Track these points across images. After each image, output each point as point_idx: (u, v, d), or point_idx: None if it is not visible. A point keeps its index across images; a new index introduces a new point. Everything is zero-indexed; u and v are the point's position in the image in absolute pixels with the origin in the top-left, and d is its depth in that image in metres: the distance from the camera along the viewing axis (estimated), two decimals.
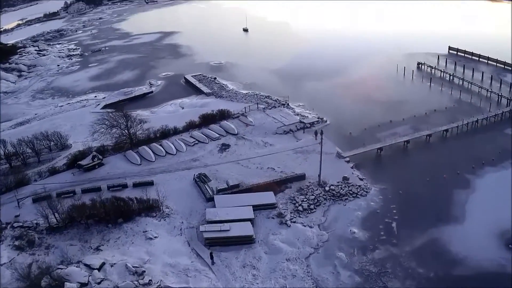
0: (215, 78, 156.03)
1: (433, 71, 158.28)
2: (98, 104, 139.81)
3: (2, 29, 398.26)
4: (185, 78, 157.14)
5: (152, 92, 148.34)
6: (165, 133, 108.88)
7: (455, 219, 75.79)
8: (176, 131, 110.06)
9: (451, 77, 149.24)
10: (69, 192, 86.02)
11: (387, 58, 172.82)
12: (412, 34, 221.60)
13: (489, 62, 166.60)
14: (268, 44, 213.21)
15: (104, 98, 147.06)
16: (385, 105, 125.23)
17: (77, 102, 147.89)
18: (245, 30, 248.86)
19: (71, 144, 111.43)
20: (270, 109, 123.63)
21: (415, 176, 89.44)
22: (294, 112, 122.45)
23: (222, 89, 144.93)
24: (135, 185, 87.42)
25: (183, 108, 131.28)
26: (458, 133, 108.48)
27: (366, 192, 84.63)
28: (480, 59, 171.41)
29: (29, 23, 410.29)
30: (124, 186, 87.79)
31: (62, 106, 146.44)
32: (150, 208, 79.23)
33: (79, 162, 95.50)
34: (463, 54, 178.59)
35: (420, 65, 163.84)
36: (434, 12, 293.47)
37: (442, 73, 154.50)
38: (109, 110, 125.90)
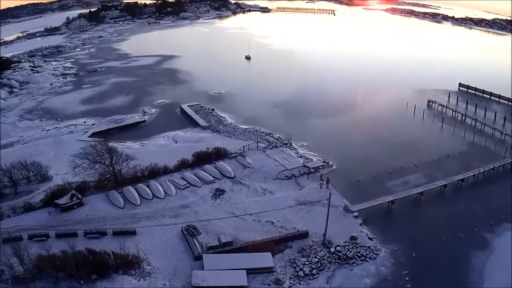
0: (213, 110, 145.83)
1: (444, 110, 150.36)
2: (86, 131, 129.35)
3: (2, 41, 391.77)
4: (181, 108, 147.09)
5: (144, 121, 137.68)
6: (154, 172, 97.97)
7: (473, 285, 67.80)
8: (166, 171, 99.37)
9: (463, 117, 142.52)
10: (42, 235, 76.08)
11: (396, 94, 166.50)
12: (421, 66, 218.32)
13: (500, 100, 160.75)
14: (271, 74, 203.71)
15: (94, 124, 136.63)
16: (396, 148, 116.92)
17: (65, 126, 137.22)
18: (248, 58, 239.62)
19: (51, 176, 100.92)
20: (271, 148, 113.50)
21: (430, 234, 79.73)
22: (297, 153, 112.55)
23: (220, 122, 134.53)
24: (115, 233, 76.82)
25: (176, 142, 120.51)
26: (474, 182, 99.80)
27: (376, 254, 74.36)
28: (492, 97, 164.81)
29: (29, 36, 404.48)
30: (103, 233, 77.07)
31: (48, 130, 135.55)
32: (129, 264, 68.18)
33: (56, 201, 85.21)
34: (474, 92, 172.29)
35: (431, 103, 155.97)
36: (442, 42, 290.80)
37: (454, 112, 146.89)
38: (96, 139, 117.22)
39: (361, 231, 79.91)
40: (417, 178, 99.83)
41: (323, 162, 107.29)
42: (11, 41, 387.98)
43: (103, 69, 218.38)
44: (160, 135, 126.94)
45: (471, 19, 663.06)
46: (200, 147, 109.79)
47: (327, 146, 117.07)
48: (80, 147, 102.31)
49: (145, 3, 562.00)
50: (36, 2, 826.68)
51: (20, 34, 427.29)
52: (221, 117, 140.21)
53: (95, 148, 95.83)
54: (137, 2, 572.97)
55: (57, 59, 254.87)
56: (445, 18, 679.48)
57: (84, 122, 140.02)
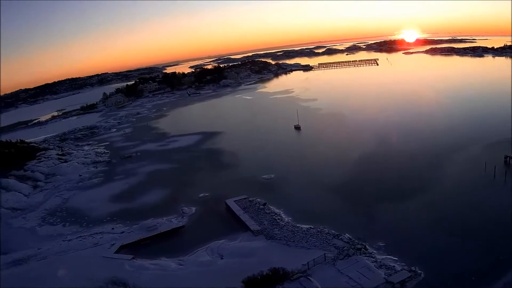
0: (264, 204, 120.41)
1: None
2: (113, 244, 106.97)
3: (36, 121, 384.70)
4: (227, 205, 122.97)
5: (183, 226, 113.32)
6: None
7: None
8: None
9: None
10: None
11: (467, 154, 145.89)
12: (482, 112, 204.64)
13: None
14: (325, 146, 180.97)
15: (123, 232, 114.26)
16: (491, 235, 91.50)
17: (89, 235, 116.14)
18: (297, 127, 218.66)
19: None
20: (342, 259, 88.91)
21: None
22: (375, 261, 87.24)
23: (275, 223, 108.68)
24: None
25: (222, 258, 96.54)
26: None
27: None
28: None
29: (65, 115, 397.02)
30: None
31: (71, 240, 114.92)
32: None
33: None
34: None
35: (508, 159, 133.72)
36: (492, 79, 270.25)
37: None
38: (123, 256, 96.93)
39: None
40: None
41: (410, 271, 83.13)
42: (45, 121, 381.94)
43: (138, 154, 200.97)
44: (203, 247, 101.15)
45: (510, 47, 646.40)
46: (251, 265, 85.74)
47: (409, 244, 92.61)
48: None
49: (183, 73, 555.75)
50: (75, 77, 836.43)
51: (56, 113, 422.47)
52: (275, 214, 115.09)
53: None
54: (175, 72, 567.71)
55: (90, 142, 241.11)
56: (485, 50, 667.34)
57: (112, 229, 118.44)
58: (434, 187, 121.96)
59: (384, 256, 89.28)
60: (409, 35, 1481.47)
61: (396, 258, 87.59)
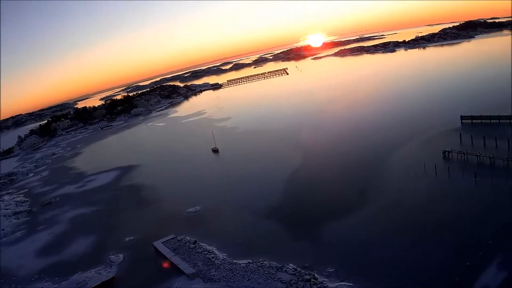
0: (195, 242, 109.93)
1: (465, 157, 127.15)
2: None
3: None
4: (155, 248, 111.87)
5: (113, 278, 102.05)
6: None
7: None
8: None
9: (492, 160, 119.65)
10: None
11: (405, 154, 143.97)
12: (404, 108, 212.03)
13: None
14: (247, 167, 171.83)
15: None
16: (444, 239, 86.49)
17: None
18: (215, 150, 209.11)
19: None
20: None
21: None
22: None
23: (210, 262, 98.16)
24: None
25: None
26: None
27: None
28: (501, 121, 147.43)
29: None
30: None
31: None
32: None
33: None
34: (480, 121, 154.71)
35: (446, 153, 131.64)
36: (410, 73, 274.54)
37: (478, 157, 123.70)
38: None
39: None
40: None
41: None
42: None
43: (57, 199, 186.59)
44: None
45: (422, 38, 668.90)
46: None
47: (361, 262, 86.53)
48: None
49: (94, 106, 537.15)
50: None
51: None
52: (208, 251, 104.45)
53: None
54: (86, 107, 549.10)
55: (9, 191, 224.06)
56: (397, 45, 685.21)
57: None
58: (377, 196, 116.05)
59: (337, 284, 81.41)
60: (315, 40, 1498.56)
61: (351, 284, 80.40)
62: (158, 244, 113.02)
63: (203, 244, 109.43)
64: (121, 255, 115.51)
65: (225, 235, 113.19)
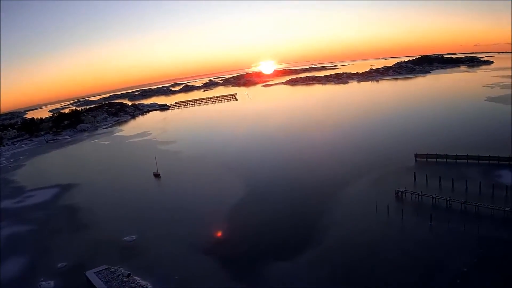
0: (128, 276, 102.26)
1: (419, 198, 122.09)
2: None
3: None
4: (87, 278, 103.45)
5: None
6: None
7: None
8: None
9: (448, 203, 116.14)
10: None
11: (355, 193, 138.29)
12: (353, 145, 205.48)
13: (469, 161, 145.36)
14: (188, 195, 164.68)
15: None
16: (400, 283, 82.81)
17: None
18: (156, 175, 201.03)
19: None
20: None
21: None
22: None
23: None
24: None
25: None
26: None
27: None
28: (458, 160, 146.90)
29: None
30: None
31: None
32: None
33: None
34: (435, 160, 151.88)
35: (399, 193, 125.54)
36: (364, 108, 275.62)
37: (434, 199, 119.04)
38: None
39: None
40: None
41: None
42: None
43: None
44: None
45: (376, 71, 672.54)
46: None
47: None
48: None
49: (41, 118, 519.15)
50: None
51: None
52: (142, 287, 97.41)
53: None
54: (33, 118, 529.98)
55: None
56: (350, 76, 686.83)
57: None
58: (325, 237, 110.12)
59: None
60: (267, 67, 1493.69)
61: None
62: (91, 275, 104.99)
63: (137, 278, 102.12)
64: (52, 282, 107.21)
65: (160, 269, 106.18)
